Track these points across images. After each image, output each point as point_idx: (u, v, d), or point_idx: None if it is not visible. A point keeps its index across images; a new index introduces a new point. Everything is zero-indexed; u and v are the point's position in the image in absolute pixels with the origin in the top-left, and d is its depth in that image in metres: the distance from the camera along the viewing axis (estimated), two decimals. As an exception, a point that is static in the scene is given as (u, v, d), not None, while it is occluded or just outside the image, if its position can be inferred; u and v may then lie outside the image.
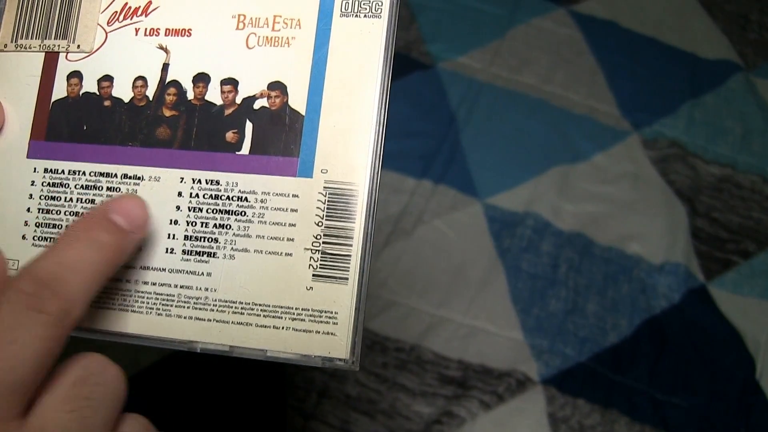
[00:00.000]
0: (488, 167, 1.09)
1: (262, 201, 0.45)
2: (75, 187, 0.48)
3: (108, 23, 0.49)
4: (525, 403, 0.96)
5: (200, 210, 0.46)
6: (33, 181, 0.49)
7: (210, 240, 0.46)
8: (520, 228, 1.05)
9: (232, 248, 0.45)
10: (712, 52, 1.22)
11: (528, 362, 0.96)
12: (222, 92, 0.47)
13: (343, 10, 0.47)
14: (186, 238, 0.46)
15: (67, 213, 0.48)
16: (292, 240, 0.45)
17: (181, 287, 0.46)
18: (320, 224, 0.44)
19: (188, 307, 0.45)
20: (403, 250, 1.02)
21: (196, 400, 0.91)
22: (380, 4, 0.46)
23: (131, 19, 0.49)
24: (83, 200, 0.48)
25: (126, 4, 0.49)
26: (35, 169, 0.49)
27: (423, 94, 1.14)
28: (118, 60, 0.49)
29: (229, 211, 0.46)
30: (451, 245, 1.04)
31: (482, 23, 1.22)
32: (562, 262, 1.03)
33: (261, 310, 0.45)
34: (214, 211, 0.46)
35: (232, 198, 0.46)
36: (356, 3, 0.47)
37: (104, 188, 0.48)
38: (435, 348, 0.97)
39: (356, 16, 0.46)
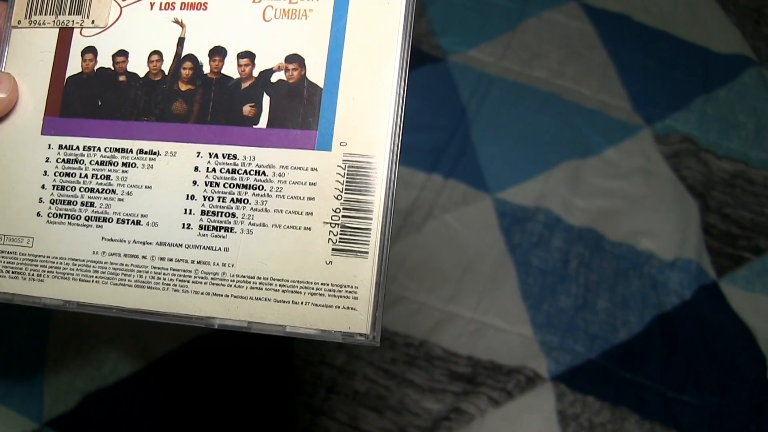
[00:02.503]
0: (499, 161, 1.09)
1: (280, 175, 0.45)
2: (90, 163, 0.48)
3: (123, -2, 0.50)
4: (534, 399, 0.96)
5: (217, 185, 0.46)
6: (47, 158, 0.49)
7: (227, 215, 0.46)
8: (530, 223, 1.05)
9: (249, 223, 0.46)
10: (724, 46, 1.22)
11: (538, 359, 0.96)
12: (239, 66, 0.47)
13: (361, -19, 0.47)
14: (203, 213, 0.46)
15: (82, 189, 0.48)
16: (311, 214, 0.45)
17: (198, 263, 0.46)
18: (339, 198, 0.45)
19: (205, 283, 0.46)
20: (413, 245, 1.03)
21: (204, 395, 0.91)
22: (399, -25, 0.47)
23: (146, -7, 0.50)
24: (98, 176, 0.48)
25: (141, -22, 0.50)
26: (50, 145, 0.49)
27: (434, 88, 1.14)
28: (133, 35, 0.49)
29: (246, 185, 0.46)
30: (461, 240, 1.04)
31: (493, 16, 1.22)
32: (572, 257, 1.03)
33: (279, 285, 0.45)
34: (232, 186, 0.46)
35: (250, 172, 0.46)
36: (375, -26, 0.47)
37: (119, 164, 0.48)
38: (444, 344, 0.97)
39: None
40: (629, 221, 1.06)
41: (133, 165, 0.48)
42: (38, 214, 0.49)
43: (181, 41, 0.48)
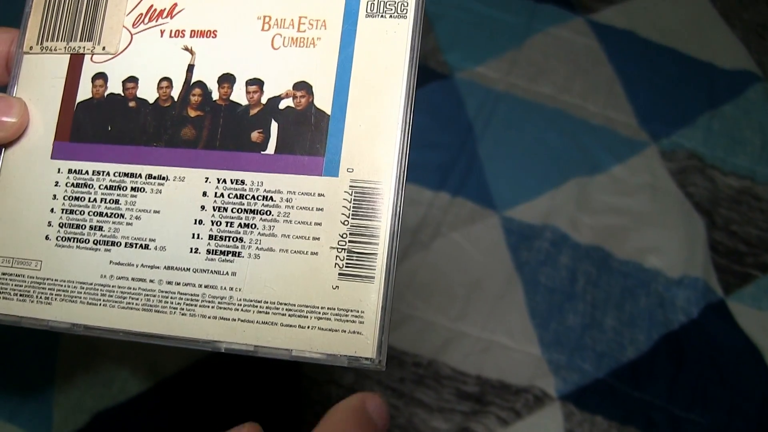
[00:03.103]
0: (506, 179, 1.10)
1: (287, 200, 0.46)
2: (99, 187, 0.49)
3: (133, 25, 0.51)
4: (543, 419, 0.96)
5: (225, 209, 0.47)
6: (57, 182, 0.50)
7: (235, 239, 0.47)
8: (537, 241, 1.05)
9: (257, 247, 0.46)
10: (730, 61, 1.23)
11: (546, 378, 0.96)
12: (247, 92, 0.48)
13: (368, 10, 0.48)
14: (211, 237, 0.47)
15: (91, 213, 0.49)
16: (318, 239, 0.46)
17: (205, 287, 0.47)
18: (346, 223, 0.45)
19: (213, 307, 0.46)
20: (420, 263, 1.03)
21: (213, 414, 0.92)
22: (405, 4, 0.48)
23: (156, 21, 0.51)
24: (107, 200, 0.49)
25: (151, 6, 0.51)
26: (59, 169, 0.50)
27: (440, 104, 1.15)
28: (143, 61, 0.50)
29: (254, 210, 0.47)
30: (468, 258, 1.04)
31: (499, 32, 1.22)
32: (580, 275, 1.03)
33: (286, 309, 0.46)
34: (239, 211, 0.47)
35: (258, 197, 0.47)
36: (382, 3, 0.48)
37: (128, 188, 0.49)
38: (452, 363, 0.97)
39: (382, 16, 0.48)
40: (636, 238, 1.06)
41: (142, 190, 0.49)
42: (47, 237, 0.50)
43: (190, 68, 0.49)
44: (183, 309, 0.47)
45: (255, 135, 0.47)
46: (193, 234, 0.47)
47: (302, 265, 0.46)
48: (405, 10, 0.47)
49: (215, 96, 0.49)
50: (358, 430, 0.44)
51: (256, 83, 0.48)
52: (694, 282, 1.03)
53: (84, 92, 0.51)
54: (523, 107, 1.16)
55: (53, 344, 0.92)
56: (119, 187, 0.49)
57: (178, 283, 0.47)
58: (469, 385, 0.96)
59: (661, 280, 1.04)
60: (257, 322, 0.46)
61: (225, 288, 0.47)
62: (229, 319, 0.46)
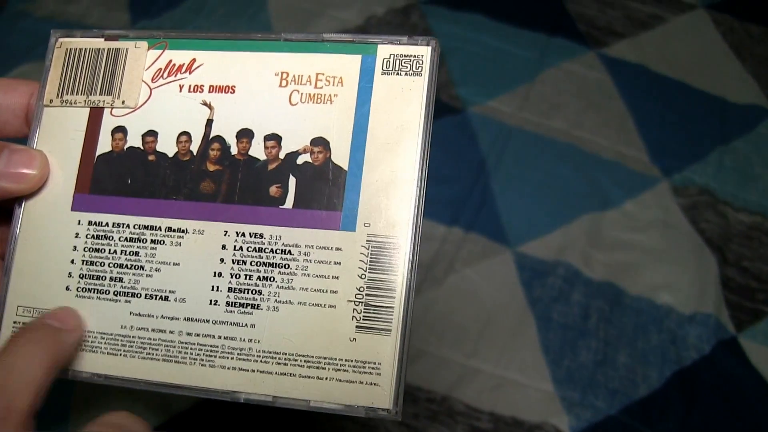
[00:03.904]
0: (518, 214, 1.11)
1: (305, 254, 0.48)
2: (119, 239, 0.51)
3: (152, 80, 0.52)
4: (555, 456, 0.97)
5: (244, 262, 0.49)
6: (77, 233, 0.51)
7: (254, 292, 0.48)
8: (550, 277, 1.06)
9: (276, 300, 0.48)
10: (741, 96, 1.24)
11: (559, 415, 0.97)
12: (265, 147, 0.50)
13: (384, 68, 0.50)
14: (230, 290, 0.49)
15: (111, 265, 0.50)
16: (336, 292, 0.47)
17: (225, 338, 0.48)
18: (363, 277, 0.47)
19: (232, 358, 0.48)
20: (434, 299, 1.04)
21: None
22: (421, 62, 0.49)
23: (175, 76, 0.52)
24: (127, 252, 0.50)
25: (170, 61, 0.52)
26: (79, 221, 0.51)
27: (453, 139, 1.17)
28: (163, 116, 0.52)
29: (273, 263, 0.48)
30: (481, 294, 1.05)
31: (512, 66, 1.24)
32: (592, 312, 1.04)
33: (305, 360, 0.47)
34: (258, 264, 0.48)
35: (276, 251, 0.48)
36: (398, 61, 0.49)
37: (148, 241, 0.50)
38: (466, 399, 0.98)
39: (397, 74, 0.49)
40: (648, 275, 1.07)
41: (162, 242, 0.50)
42: (67, 288, 0.51)
43: (209, 123, 0.51)
44: (203, 360, 0.48)
45: (273, 190, 0.49)
46: (213, 286, 0.49)
47: (320, 318, 0.47)
48: (420, 68, 0.49)
49: (234, 151, 0.50)
50: None
51: (275, 138, 0.50)
52: (706, 318, 1.04)
53: (104, 145, 0.52)
54: (535, 142, 1.17)
55: (68, 390, 0.93)
56: (139, 240, 0.50)
57: (198, 335, 0.49)
58: (482, 422, 0.97)
59: (673, 316, 1.04)
60: (276, 373, 0.47)
61: (244, 339, 0.48)
62: (248, 370, 0.48)
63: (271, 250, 0.48)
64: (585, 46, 1.27)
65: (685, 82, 1.24)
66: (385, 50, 0.50)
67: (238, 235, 0.49)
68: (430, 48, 0.50)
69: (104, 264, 0.51)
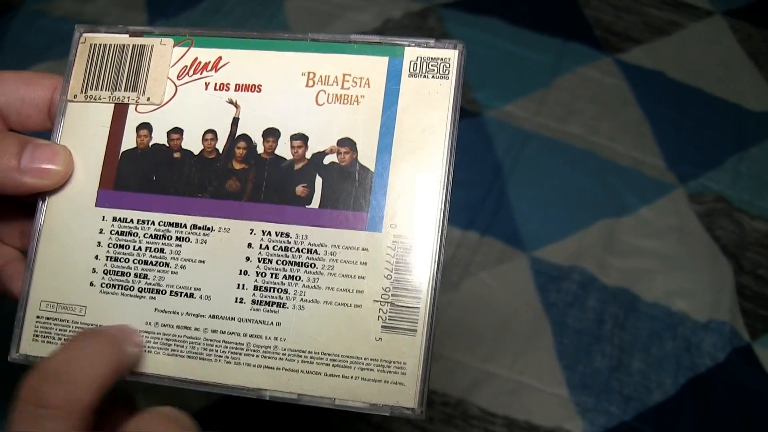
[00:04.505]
0: (534, 219, 1.12)
1: (331, 254, 0.48)
2: (144, 236, 0.51)
3: (178, 77, 0.53)
4: (569, 461, 0.97)
5: (270, 261, 0.49)
6: (101, 229, 0.52)
7: (279, 291, 0.49)
8: (566, 282, 1.06)
9: (301, 299, 0.48)
10: (758, 103, 1.25)
11: (573, 420, 0.98)
12: (292, 147, 0.50)
13: (411, 70, 0.50)
14: (256, 288, 0.49)
15: (135, 261, 0.51)
16: (362, 292, 0.48)
17: (250, 336, 0.49)
18: (389, 277, 0.47)
19: (257, 356, 0.48)
20: (449, 303, 1.04)
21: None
22: (448, 66, 0.50)
23: (201, 73, 0.53)
24: (152, 249, 0.51)
25: (196, 59, 0.53)
26: (104, 217, 0.52)
27: (470, 143, 1.17)
28: (188, 113, 0.52)
29: (299, 262, 0.49)
30: (497, 298, 1.06)
31: (528, 71, 1.25)
32: (607, 317, 1.04)
33: (330, 359, 0.47)
34: (284, 263, 0.49)
35: (302, 250, 0.49)
36: (425, 64, 0.50)
37: (173, 238, 0.51)
38: (481, 403, 0.98)
39: (424, 76, 0.50)
40: (663, 281, 1.07)
41: (187, 239, 0.50)
42: (91, 284, 0.51)
43: (235, 121, 0.51)
44: (228, 357, 0.49)
45: (300, 189, 0.49)
46: (239, 284, 0.49)
47: (346, 317, 0.48)
48: (447, 71, 0.50)
49: (260, 149, 0.51)
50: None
51: (301, 138, 0.50)
52: (721, 326, 1.04)
53: (128, 141, 0.53)
54: (551, 147, 1.17)
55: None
56: (164, 237, 0.51)
57: (224, 332, 0.49)
58: (497, 426, 0.97)
59: (688, 323, 1.04)
60: (301, 371, 0.48)
61: (270, 338, 0.48)
62: (273, 368, 0.48)
63: (297, 249, 0.49)
64: (602, 51, 1.27)
65: (702, 89, 1.24)
66: (412, 53, 0.51)
67: (264, 234, 0.49)
68: (457, 51, 0.50)
69: (129, 260, 0.51)
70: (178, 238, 0.50)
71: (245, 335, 0.49)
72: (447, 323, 1.03)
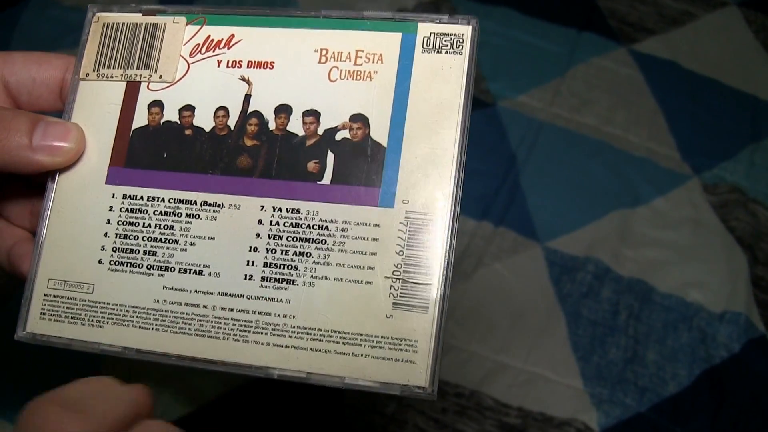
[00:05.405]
0: (548, 209, 1.11)
1: (343, 230, 0.48)
2: (154, 213, 0.51)
3: (190, 55, 0.53)
4: (583, 453, 0.97)
5: (280, 238, 0.49)
6: (111, 207, 0.51)
7: (290, 267, 0.48)
8: (580, 273, 1.06)
9: (312, 276, 0.48)
10: (773, 94, 1.25)
11: (588, 411, 0.97)
12: (304, 123, 0.50)
13: (424, 46, 0.50)
14: (265, 265, 0.49)
15: (145, 238, 0.51)
16: (373, 269, 0.47)
17: (259, 313, 0.48)
18: (401, 253, 0.47)
19: (266, 334, 0.48)
20: (463, 293, 1.04)
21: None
22: (461, 41, 0.49)
23: (213, 51, 0.53)
24: (162, 226, 0.51)
25: (209, 36, 0.53)
26: (113, 194, 0.52)
27: (483, 134, 1.17)
28: (200, 90, 0.52)
29: (309, 239, 0.48)
30: (511, 289, 1.05)
31: (543, 61, 1.24)
32: (622, 309, 1.04)
33: (340, 337, 0.47)
34: (295, 239, 0.49)
35: (313, 226, 0.48)
36: (438, 40, 0.50)
37: (183, 214, 0.50)
38: (495, 394, 0.98)
39: (438, 52, 0.50)
40: (678, 272, 1.07)
41: (197, 216, 0.50)
42: (100, 261, 0.51)
43: (247, 98, 0.51)
44: (236, 335, 0.48)
45: (311, 165, 0.49)
46: (248, 261, 0.49)
47: (357, 294, 0.47)
48: (461, 47, 0.49)
49: (272, 126, 0.50)
50: None
51: (313, 114, 0.50)
52: (737, 317, 1.04)
53: (140, 119, 0.53)
54: (565, 137, 1.17)
55: (95, 367, 0.93)
56: (174, 213, 0.51)
57: (232, 309, 0.49)
58: (511, 417, 0.97)
59: (704, 314, 1.04)
60: (311, 349, 0.47)
61: (279, 315, 0.48)
62: (282, 346, 0.48)
63: (308, 226, 0.48)
64: (616, 41, 1.27)
65: (717, 80, 1.24)
66: (425, 28, 0.50)
67: (274, 210, 0.49)
68: (470, 27, 0.50)
69: (138, 238, 0.51)
70: (188, 215, 0.50)
71: (254, 312, 0.48)
72: (460, 314, 1.02)
